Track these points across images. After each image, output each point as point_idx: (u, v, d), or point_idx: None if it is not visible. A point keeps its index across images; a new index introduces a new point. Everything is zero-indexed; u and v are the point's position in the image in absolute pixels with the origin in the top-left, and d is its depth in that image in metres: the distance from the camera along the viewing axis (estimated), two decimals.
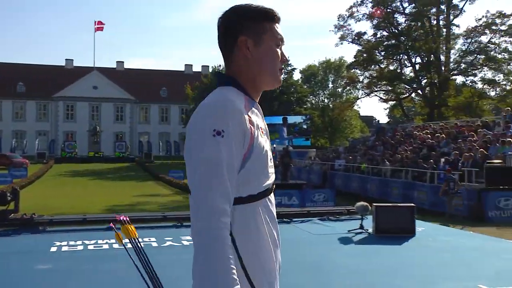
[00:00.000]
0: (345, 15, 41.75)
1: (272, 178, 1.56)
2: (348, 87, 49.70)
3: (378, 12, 40.03)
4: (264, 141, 1.54)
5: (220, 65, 52.25)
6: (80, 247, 8.02)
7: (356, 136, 49.27)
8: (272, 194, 1.57)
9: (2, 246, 8.12)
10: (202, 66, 67.33)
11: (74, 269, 6.61)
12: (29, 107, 60.06)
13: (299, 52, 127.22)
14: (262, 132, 1.54)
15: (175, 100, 62.37)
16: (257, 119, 1.56)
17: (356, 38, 42.45)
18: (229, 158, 1.41)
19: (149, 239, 8.71)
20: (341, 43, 43.08)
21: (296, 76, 57.93)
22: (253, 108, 1.56)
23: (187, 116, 54.53)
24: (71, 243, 8.28)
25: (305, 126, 43.37)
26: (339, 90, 60.19)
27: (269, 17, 1.63)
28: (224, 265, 1.32)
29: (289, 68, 52.67)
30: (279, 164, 22.03)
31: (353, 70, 44.48)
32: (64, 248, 7.92)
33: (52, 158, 45.64)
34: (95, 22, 61.17)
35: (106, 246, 8.11)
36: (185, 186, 22.75)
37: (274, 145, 28.95)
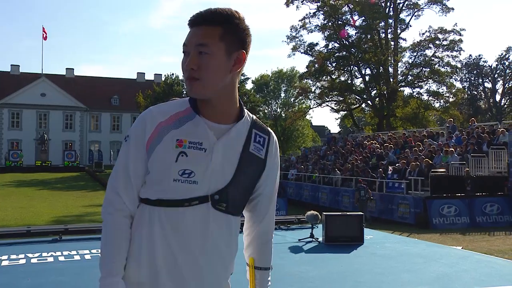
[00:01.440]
0: (298, 25, 42.51)
1: (191, 193, 1.54)
2: (300, 97, 50.49)
3: (344, 33, 41.04)
4: (171, 153, 1.53)
5: (173, 74, 51.88)
6: (23, 261, 7.72)
7: (308, 146, 49.97)
8: (195, 209, 1.55)
9: None
10: (155, 74, 66.60)
11: (15, 284, 6.36)
12: (26, 115, 57.79)
13: (252, 62, 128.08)
14: (180, 144, 1.54)
15: (127, 108, 61.34)
16: (190, 131, 1.55)
17: (308, 49, 43.22)
18: (125, 160, 1.58)
19: (97, 251, 8.49)
20: (294, 54, 43.78)
21: (249, 85, 58.29)
22: (189, 121, 1.57)
23: None
24: (13, 256, 7.96)
25: None
26: (292, 99, 61.07)
27: (188, 23, 1.58)
28: (107, 250, 1.55)
29: (242, 77, 52.96)
30: None
31: (305, 80, 45.22)
32: (5, 263, 7.60)
33: None
34: (43, 27, 59.44)
35: (51, 259, 7.85)
36: None
37: None
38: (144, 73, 68.77)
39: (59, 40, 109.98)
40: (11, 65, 63.35)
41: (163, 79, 54.59)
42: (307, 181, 23.21)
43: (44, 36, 57.87)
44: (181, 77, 52.21)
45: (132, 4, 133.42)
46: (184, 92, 50.10)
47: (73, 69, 66.86)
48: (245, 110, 1.67)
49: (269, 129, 1.71)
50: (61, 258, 7.90)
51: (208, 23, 1.51)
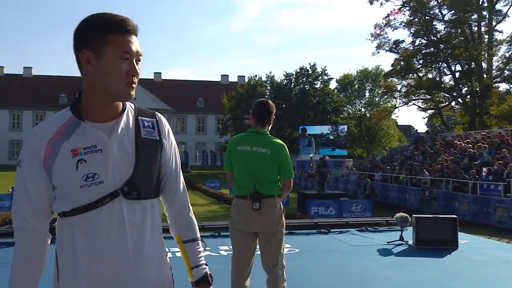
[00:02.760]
0: (382, 23, 41.34)
1: (101, 193, 1.61)
2: (385, 96, 49.07)
3: (397, 11, 39.51)
4: (70, 164, 1.60)
5: (256, 75, 52.49)
6: None
7: (394, 146, 48.46)
8: (109, 205, 1.62)
9: None
10: (238, 76, 67.86)
11: None
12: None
13: (335, 61, 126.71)
14: (75, 153, 1.61)
15: (212, 110, 62.96)
16: (80, 138, 1.62)
17: (393, 46, 41.92)
18: (24, 184, 1.63)
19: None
20: (378, 52, 42.64)
21: (333, 85, 57.60)
22: (77, 130, 1.63)
23: (223, 126, 54.92)
24: None
25: (332, 137, 42.46)
26: (376, 99, 59.51)
27: (111, 28, 1.58)
28: (16, 275, 1.65)
29: (325, 77, 52.45)
30: (315, 174, 21.89)
31: (391, 78, 43.87)
32: None
33: None
34: None
35: None
36: (221, 196, 22.87)
37: (311, 155, 28.79)
38: (228, 75, 70.31)
39: (148, 46, 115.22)
40: None
41: (246, 80, 55.41)
42: (393, 182, 22.49)
43: None
44: (264, 78, 52.67)
45: (215, 8, 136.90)
46: (268, 93, 50.52)
47: (161, 73, 69.89)
48: (126, 102, 1.73)
49: (154, 112, 1.80)
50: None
51: (135, 33, 1.66)
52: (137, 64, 1.64)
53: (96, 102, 1.64)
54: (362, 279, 6.66)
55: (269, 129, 4.29)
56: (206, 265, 1.85)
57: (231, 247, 8.56)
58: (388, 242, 9.37)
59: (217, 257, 8.13)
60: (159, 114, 1.82)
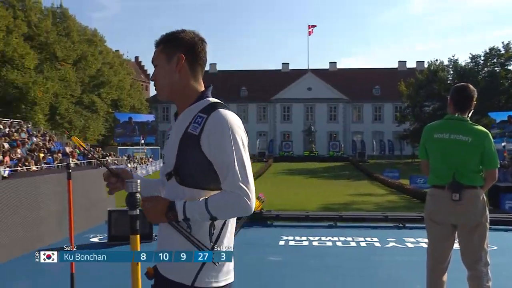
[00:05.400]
0: None
1: (165, 171, 1.98)
2: None
3: None
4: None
5: (437, 60, 49.41)
6: (306, 243, 8.38)
7: None
8: (168, 183, 1.97)
9: (236, 237, 8.96)
10: (417, 61, 64.62)
11: (302, 263, 6.92)
12: (251, 109, 65.49)
13: None
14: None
15: (389, 98, 61.10)
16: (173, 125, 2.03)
17: None
18: None
19: (371, 239, 8.64)
20: None
21: None
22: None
23: (401, 114, 52.88)
24: (297, 238, 8.71)
25: None
26: None
27: None
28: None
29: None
30: (508, 165, 19.86)
31: None
32: (291, 243, 8.37)
33: (271, 157, 48.95)
34: (308, 25, 64.01)
35: (329, 243, 8.31)
36: (401, 186, 22.11)
37: (503, 144, 26.09)
38: (405, 61, 67.40)
39: (323, 36, 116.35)
40: (282, 63, 69.96)
41: (425, 66, 52.50)
42: None
43: (310, 32, 62.13)
44: (446, 63, 49.44)
45: None
46: (450, 78, 47.32)
47: (336, 62, 69.97)
48: (207, 99, 1.95)
49: (214, 109, 1.88)
50: (339, 244, 8.29)
51: (156, 46, 2.02)
52: (155, 68, 2.02)
53: (173, 97, 2.03)
54: None
55: (470, 115, 3.99)
56: (184, 211, 1.82)
57: (417, 239, 8.33)
58: None
59: (402, 249, 7.90)
60: (217, 111, 1.88)
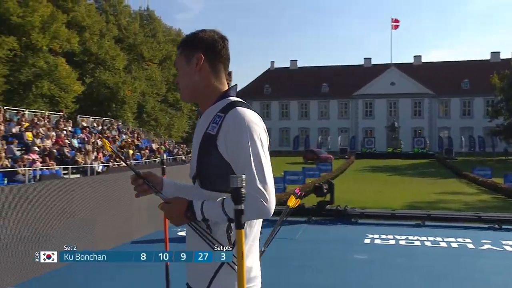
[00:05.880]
0: None
1: (189, 173, 1.93)
2: None
3: None
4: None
5: None
6: (392, 241, 8.14)
7: None
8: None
9: (320, 234, 8.90)
10: None
11: (388, 262, 6.73)
12: (332, 106, 64.70)
13: None
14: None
15: (479, 92, 57.84)
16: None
17: None
18: None
19: (463, 240, 8.22)
20: None
21: None
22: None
23: (494, 108, 49.85)
24: (383, 236, 8.48)
25: None
26: None
27: None
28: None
29: None
30: None
31: None
32: (377, 241, 8.17)
33: (353, 154, 48.08)
34: (392, 19, 62.10)
35: (417, 243, 8.01)
36: (494, 185, 20.83)
37: None
38: (499, 52, 63.43)
39: (407, 30, 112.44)
40: (364, 58, 68.44)
41: None
42: None
43: (395, 26, 60.34)
44: None
45: None
46: None
47: (421, 56, 67.27)
48: (228, 98, 1.87)
49: (232, 110, 1.79)
50: (427, 243, 7.97)
51: (177, 49, 2.02)
52: (178, 72, 2.00)
53: (197, 98, 2.00)
54: None
55: None
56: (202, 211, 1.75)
57: None
58: None
59: (499, 252, 7.44)
60: (234, 110, 1.80)
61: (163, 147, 26.35)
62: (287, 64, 73.37)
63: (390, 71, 62.67)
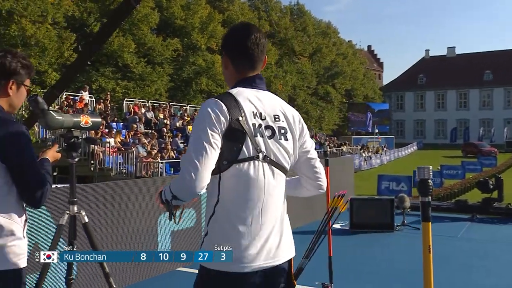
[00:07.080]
0: None
1: None
2: None
3: None
4: None
5: None
6: None
7: None
8: None
9: (486, 233, 8.10)
10: None
11: None
12: (497, 94, 59.19)
13: None
14: None
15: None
16: None
17: None
18: None
19: None
20: None
21: None
22: None
23: None
24: None
25: None
26: None
27: None
28: None
29: None
30: None
31: None
32: None
33: None
34: None
35: None
36: None
37: None
38: None
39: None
40: None
41: None
42: None
43: None
44: None
45: None
46: None
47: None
48: (226, 91, 1.99)
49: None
50: None
51: None
52: None
53: None
54: None
55: None
56: None
57: None
58: None
59: None
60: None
61: (314, 140, 26.51)
62: (443, 52, 68.92)
63: None
